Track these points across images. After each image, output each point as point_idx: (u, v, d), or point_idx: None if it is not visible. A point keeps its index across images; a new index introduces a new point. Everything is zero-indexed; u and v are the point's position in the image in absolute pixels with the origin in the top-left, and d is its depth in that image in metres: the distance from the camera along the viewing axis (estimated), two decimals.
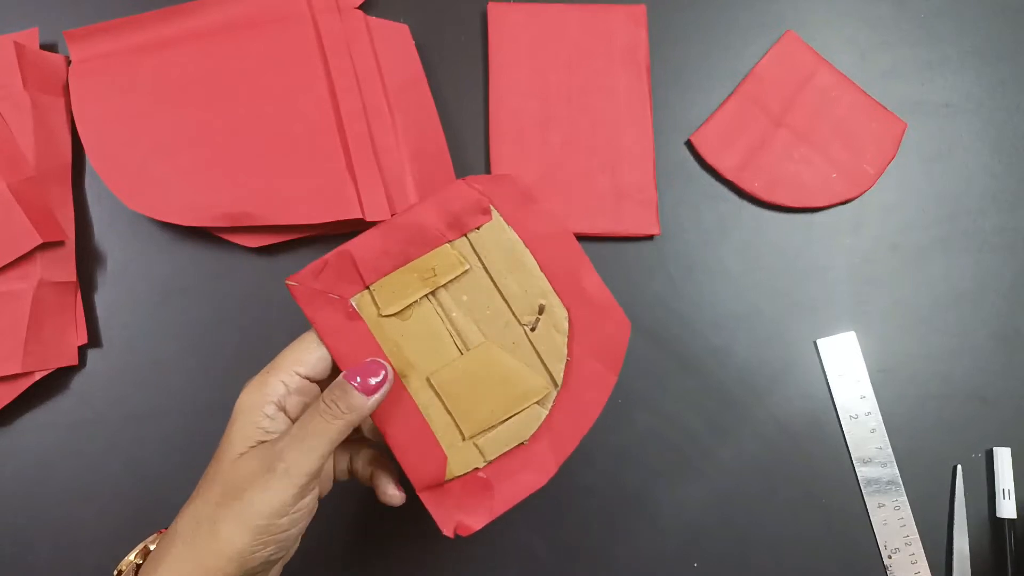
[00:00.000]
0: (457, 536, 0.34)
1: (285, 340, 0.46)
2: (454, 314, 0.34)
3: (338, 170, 0.44)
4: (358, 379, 0.31)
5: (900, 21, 0.50)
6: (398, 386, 0.33)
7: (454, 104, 0.49)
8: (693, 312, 0.47)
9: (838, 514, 0.46)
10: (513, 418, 0.34)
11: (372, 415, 0.32)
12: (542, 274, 0.34)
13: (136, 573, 0.32)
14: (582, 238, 0.47)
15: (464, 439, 0.34)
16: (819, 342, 0.47)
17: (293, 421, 0.32)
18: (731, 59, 0.50)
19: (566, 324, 0.35)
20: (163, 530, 0.33)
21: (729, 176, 0.47)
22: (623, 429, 0.46)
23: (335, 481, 0.36)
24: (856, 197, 0.48)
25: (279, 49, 0.45)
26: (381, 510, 0.45)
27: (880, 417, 0.46)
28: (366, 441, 0.37)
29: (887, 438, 0.46)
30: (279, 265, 0.47)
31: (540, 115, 0.48)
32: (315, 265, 0.33)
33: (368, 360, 0.32)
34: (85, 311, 0.45)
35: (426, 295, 0.34)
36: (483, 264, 0.34)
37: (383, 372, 0.31)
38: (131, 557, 0.33)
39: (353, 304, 0.33)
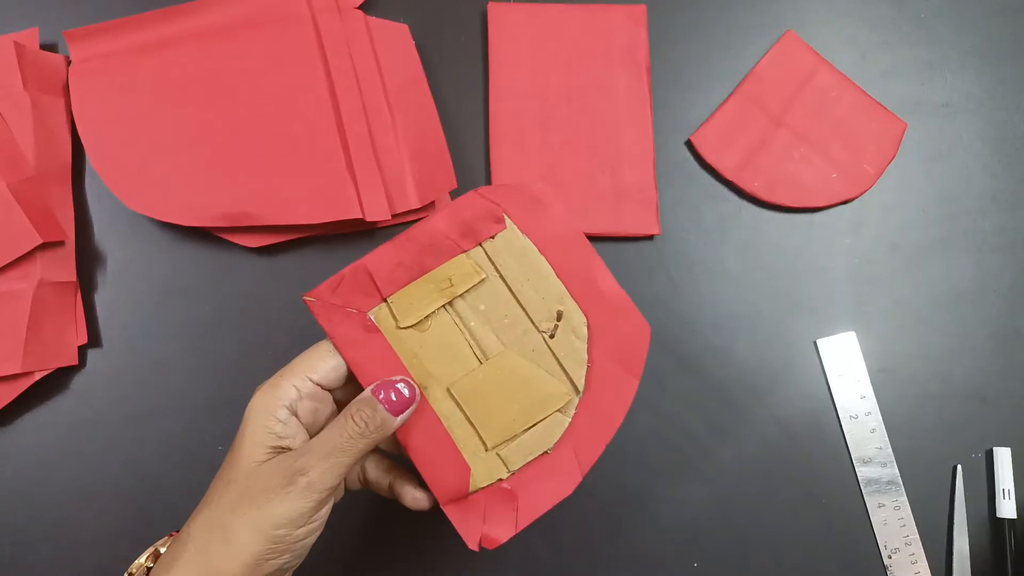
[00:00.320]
0: (482, 548, 0.33)
1: (285, 340, 0.46)
2: (472, 323, 0.34)
3: (338, 170, 0.44)
4: (383, 395, 0.31)
5: (900, 21, 0.50)
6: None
7: (454, 104, 0.49)
8: (693, 312, 0.47)
9: (838, 514, 0.46)
10: (536, 426, 0.34)
11: None
12: (558, 279, 0.34)
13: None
14: None
15: (487, 449, 0.34)
16: (819, 342, 0.47)
17: (304, 426, 0.31)
18: (731, 59, 0.50)
19: (585, 329, 0.34)
20: (174, 533, 0.33)
21: (729, 176, 0.47)
22: (623, 429, 0.45)
23: (346, 490, 0.36)
24: (856, 197, 0.48)
25: (279, 49, 0.45)
26: (380, 511, 0.45)
27: (880, 417, 0.46)
28: (378, 450, 0.37)
29: (887, 438, 0.46)
30: (279, 265, 0.47)
31: (540, 115, 0.48)
32: (332, 280, 0.33)
33: (395, 378, 0.32)
34: (85, 311, 0.45)
35: (443, 305, 0.34)
36: (499, 272, 0.34)
37: (410, 390, 0.31)
38: (141, 560, 0.32)
39: (371, 317, 0.33)
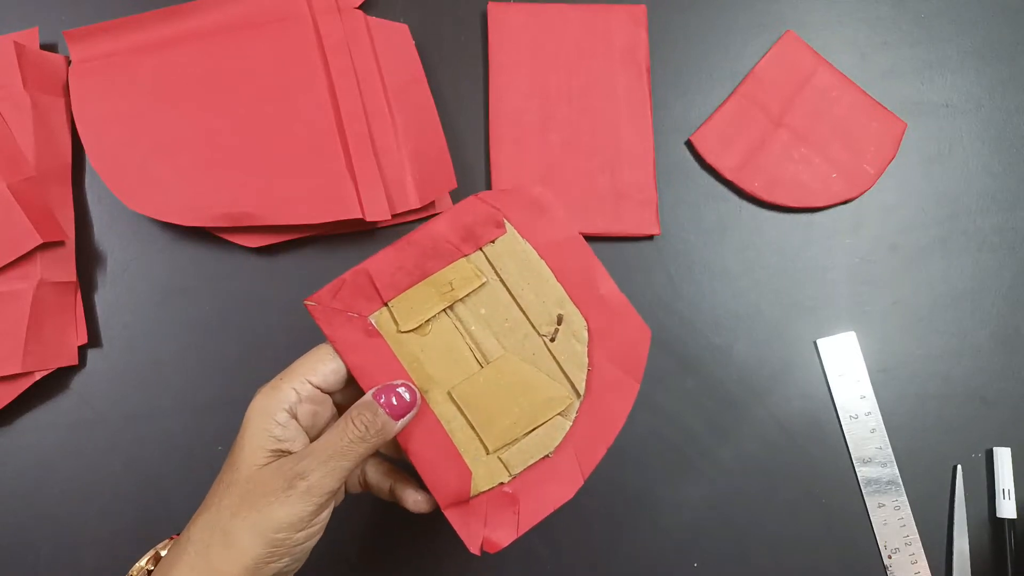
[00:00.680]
0: (483, 552, 0.33)
1: (285, 340, 0.46)
2: (473, 327, 0.34)
3: (338, 170, 0.44)
4: (384, 399, 0.31)
5: (900, 21, 0.50)
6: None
7: (454, 104, 0.49)
8: (693, 312, 0.47)
9: (838, 514, 0.46)
10: (537, 430, 0.34)
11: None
12: (558, 283, 0.34)
13: None
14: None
15: (488, 453, 0.34)
16: (819, 342, 0.47)
17: (303, 428, 0.32)
18: (731, 59, 0.50)
19: (585, 333, 0.34)
20: (175, 536, 0.33)
21: (729, 176, 0.47)
22: (623, 429, 0.46)
23: (347, 493, 0.36)
24: (856, 197, 0.48)
25: (279, 49, 0.45)
26: (380, 515, 0.45)
27: (880, 417, 0.46)
28: (378, 454, 0.37)
29: (887, 438, 0.46)
30: (279, 265, 0.47)
31: (540, 115, 0.48)
32: (333, 285, 0.33)
33: (396, 382, 0.32)
34: (85, 311, 0.45)
35: (444, 309, 0.34)
36: (500, 277, 0.34)
37: (411, 394, 0.31)
38: (142, 563, 0.32)
39: (372, 321, 0.33)
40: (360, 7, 0.47)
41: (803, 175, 0.48)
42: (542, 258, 0.34)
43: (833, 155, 0.48)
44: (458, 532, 0.33)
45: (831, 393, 0.47)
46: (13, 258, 0.42)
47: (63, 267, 0.44)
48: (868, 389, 0.46)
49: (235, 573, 0.28)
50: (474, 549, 0.33)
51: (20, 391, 0.43)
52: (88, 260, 0.46)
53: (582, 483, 0.34)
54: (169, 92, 0.44)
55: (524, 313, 0.34)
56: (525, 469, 0.34)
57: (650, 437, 0.46)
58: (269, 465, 0.30)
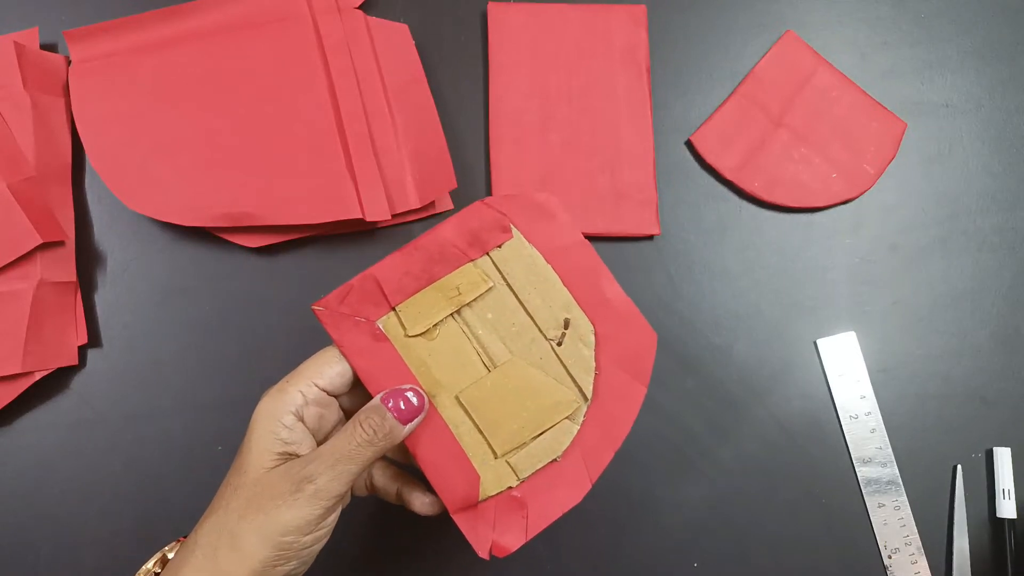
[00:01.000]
0: (492, 556, 0.33)
1: (286, 340, 0.46)
2: (480, 332, 0.34)
3: (338, 170, 0.44)
4: (392, 403, 0.31)
5: (900, 21, 0.50)
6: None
7: (454, 104, 0.49)
8: (693, 312, 0.47)
9: (838, 514, 0.46)
10: (544, 434, 0.34)
11: None
12: (565, 287, 0.35)
13: None
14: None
15: (496, 457, 0.34)
16: (819, 342, 0.47)
17: (310, 431, 0.32)
18: (731, 59, 0.50)
19: (592, 337, 0.34)
20: (182, 538, 0.33)
21: (729, 176, 0.47)
22: None
23: (353, 496, 0.36)
24: (856, 197, 0.48)
25: (279, 49, 0.45)
26: (386, 518, 0.45)
27: (880, 417, 0.46)
28: (385, 458, 0.37)
29: (887, 438, 0.46)
30: (279, 265, 0.47)
31: (540, 115, 0.48)
32: (340, 290, 0.33)
33: (404, 386, 0.32)
34: (85, 311, 0.45)
35: (451, 314, 0.34)
36: (506, 281, 0.34)
37: (419, 398, 0.32)
38: (149, 565, 0.33)
39: (379, 326, 0.33)
40: (360, 7, 0.47)
41: (803, 175, 0.48)
42: (548, 262, 0.35)
43: (833, 155, 0.48)
44: (467, 536, 0.33)
45: (831, 393, 0.47)
46: (13, 258, 0.42)
47: (63, 267, 0.44)
48: (868, 389, 0.46)
49: None
50: (483, 554, 0.33)
51: (20, 391, 0.43)
52: (88, 260, 0.46)
53: (590, 487, 0.34)
54: (169, 92, 0.44)
55: (531, 317, 0.34)
56: (533, 473, 0.34)
57: (650, 437, 0.46)
58: (276, 468, 0.30)
